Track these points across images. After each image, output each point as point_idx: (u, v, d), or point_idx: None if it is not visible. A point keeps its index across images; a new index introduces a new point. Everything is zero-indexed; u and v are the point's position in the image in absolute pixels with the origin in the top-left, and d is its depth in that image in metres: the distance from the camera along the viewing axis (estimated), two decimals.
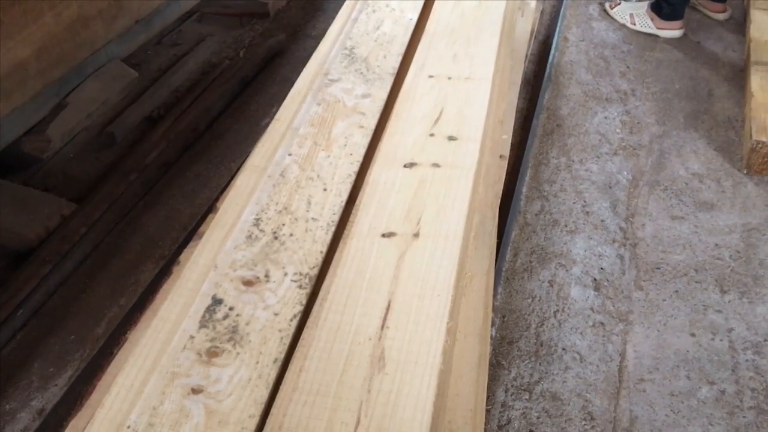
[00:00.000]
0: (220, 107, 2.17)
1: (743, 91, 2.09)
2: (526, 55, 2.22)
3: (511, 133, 1.82)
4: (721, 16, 2.51)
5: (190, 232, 1.68)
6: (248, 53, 2.37)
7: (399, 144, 1.47)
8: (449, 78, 1.70)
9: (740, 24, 2.45)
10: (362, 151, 1.45)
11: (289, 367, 0.92)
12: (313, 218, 1.25)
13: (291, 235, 1.20)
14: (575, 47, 2.37)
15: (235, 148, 1.97)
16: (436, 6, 1.98)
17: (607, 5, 2.55)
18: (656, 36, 2.42)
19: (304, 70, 1.83)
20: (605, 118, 2.05)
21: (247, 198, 1.30)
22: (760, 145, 1.80)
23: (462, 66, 1.73)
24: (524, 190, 1.80)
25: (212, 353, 0.95)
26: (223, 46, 2.42)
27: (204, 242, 1.21)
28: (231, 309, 1.01)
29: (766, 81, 2.00)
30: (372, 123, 1.53)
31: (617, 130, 2.01)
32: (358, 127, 1.51)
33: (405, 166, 1.41)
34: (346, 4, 2.12)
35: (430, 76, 1.70)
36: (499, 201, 1.57)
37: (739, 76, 2.19)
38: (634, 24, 2.45)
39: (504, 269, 1.56)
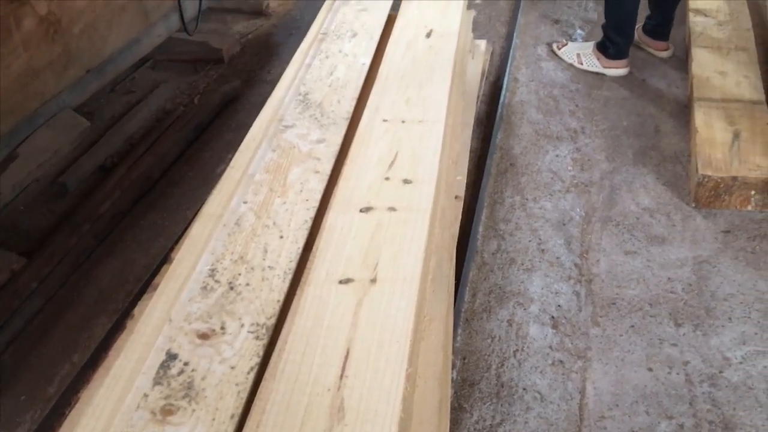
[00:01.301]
0: (175, 154, 2.16)
1: (688, 127, 2.17)
2: (478, 96, 2.27)
3: (465, 174, 1.84)
4: (664, 54, 2.60)
5: (144, 283, 1.65)
6: (203, 99, 2.37)
7: (355, 188, 1.48)
8: (403, 121, 1.72)
9: (683, 61, 2.54)
10: (318, 196, 1.46)
11: (246, 423, 0.91)
12: (269, 266, 1.24)
13: (247, 284, 1.18)
14: (525, 87, 2.43)
15: (190, 196, 1.95)
16: (388, 50, 2.01)
17: (554, 46, 2.63)
18: (603, 75, 2.49)
19: (259, 116, 1.83)
20: (557, 156, 2.10)
21: (203, 248, 1.29)
22: (706, 179, 1.86)
23: (415, 109, 1.76)
24: (481, 229, 1.82)
25: (167, 411, 0.93)
26: (177, 93, 2.42)
27: (158, 295, 1.19)
28: (186, 364, 0.99)
29: (710, 116, 2.07)
30: (327, 168, 1.54)
31: (569, 168, 2.05)
32: (314, 173, 1.52)
33: (361, 210, 1.41)
34: (299, 50, 2.14)
35: (384, 120, 1.72)
36: (456, 242, 1.59)
37: (683, 111, 2.27)
38: (582, 63, 2.53)
39: (463, 310, 1.57)
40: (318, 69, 1.93)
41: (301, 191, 1.46)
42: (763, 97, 2.14)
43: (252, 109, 1.79)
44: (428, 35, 2.07)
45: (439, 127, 1.68)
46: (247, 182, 1.50)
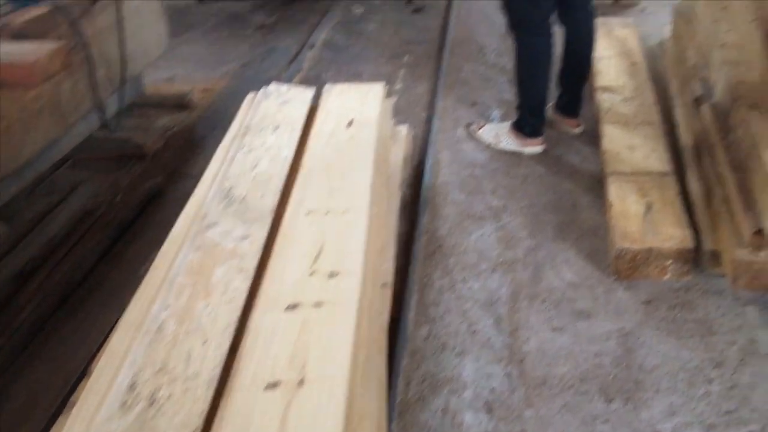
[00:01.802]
0: (97, 255, 2.10)
1: (604, 200, 2.25)
2: (403, 180, 2.32)
3: (392, 260, 1.85)
4: (576, 130, 2.73)
5: (63, 399, 1.57)
6: (125, 197, 2.34)
7: (280, 285, 1.47)
8: (327, 212, 1.74)
9: (595, 136, 2.65)
10: (243, 296, 1.44)
11: None
12: (192, 375, 1.20)
13: (169, 396, 1.14)
14: (448, 169, 2.49)
15: (113, 300, 1.90)
16: (310, 142, 2.04)
17: (472, 127, 2.73)
18: (521, 153, 2.59)
19: (182, 215, 1.81)
20: (482, 235, 2.15)
21: (122, 359, 1.24)
22: (623, 252, 1.92)
23: (339, 200, 1.77)
24: (412, 314, 1.82)
25: None
26: (98, 192, 2.37)
27: (75, 414, 1.13)
28: None
29: (623, 190, 2.16)
30: (252, 265, 1.53)
31: (494, 247, 2.10)
32: (238, 271, 1.50)
33: (287, 308, 1.40)
34: (222, 144, 2.15)
35: (309, 212, 1.73)
36: (386, 332, 1.58)
37: (598, 185, 2.36)
38: (500, 143, 2.63)
39: (397, 402, 1.55)
40: (241, 163, 1.94)
41: (225, 292, 1.44)
42: (670, 168, 2.25)
43: (176, 205, 1.78)
44: (349, 125, 2.12)
45: (364, 216, 1.70)
46: (169, 286, 1.46)
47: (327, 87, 2.35)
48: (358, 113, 2.17)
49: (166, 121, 2.91)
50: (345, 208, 1.73)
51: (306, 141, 2.06)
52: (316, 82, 3.07)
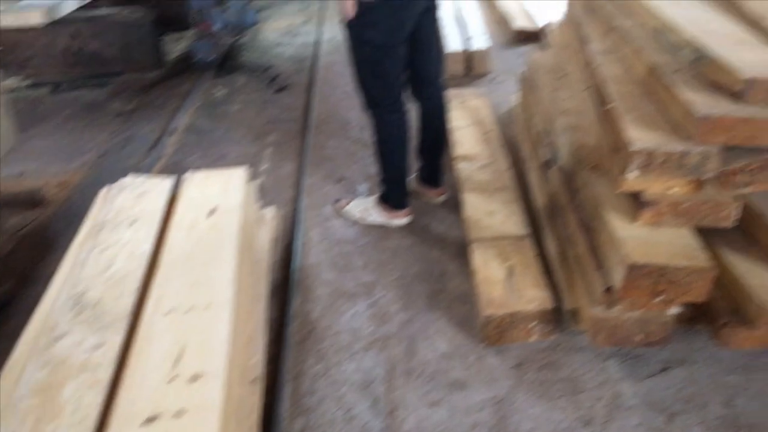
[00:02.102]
0: None
1: (470, 266, 2.31)
2: (272, 264, 2.28)
3: (262, 352, 1.80)
4: (440, 199, 2.82)
5: None
6: None
7: (138, 396, 1.38)
8: (189, 310, 1.67)
9: (458, 203, 2.75)
10: (96, 412, 1.34)
11: None
12: None
13: None
14: (318, 247, 2.49)
15: None
16: (170, 234, 1.98)
17: (339, 204, 2.75)
18: (389, 225, 2.63)
19: (28, 327, 1.69)
20: (354, 314, 2.14)
21: None
22: (489, 319, 1.97)
23: (201, 294, 1.71)
24: (285, 408, 1.77)
25: None
26: None
27: None
28: None
29: (485, 256, 2.23)
30: (106, 377, 1.43)
31: (367, 324, 2.09)
32: (90, 386, 1.40)
33: (144, 422, 1.32)
34: (73, 244, 2.05)
35: (169, 311, 1.66)
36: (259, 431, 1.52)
37: (464, 252, 2.43)
38: (367, 218, 2.66)
39: None
40: (95, 263, 1.84)
41: (76, 410, 1.34)
42: (527, 231, 2.36)
43: (28, 313, 1.66)
44: (211, 213, 2.08)
45: (228, 310, 1.65)
46: (13, 410, 1.35)
47: (187, 175, 2.30)
48: (220, 200, 2.14)
49: (16, 220, 2.73)
50: (207, 302, 1.67)
51: (165, 234, 1.99)
52: (179, 168, 3.01)
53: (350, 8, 2.26)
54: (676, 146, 1.74)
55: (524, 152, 3.06)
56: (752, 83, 1.71)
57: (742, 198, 1.83)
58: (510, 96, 3.75)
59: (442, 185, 2.82)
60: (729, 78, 1.78)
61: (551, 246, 2.31)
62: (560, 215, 2.33)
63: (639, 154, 1.75)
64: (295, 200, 2.81)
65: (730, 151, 1.76)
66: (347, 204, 2.74)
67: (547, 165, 2.62)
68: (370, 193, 2.83)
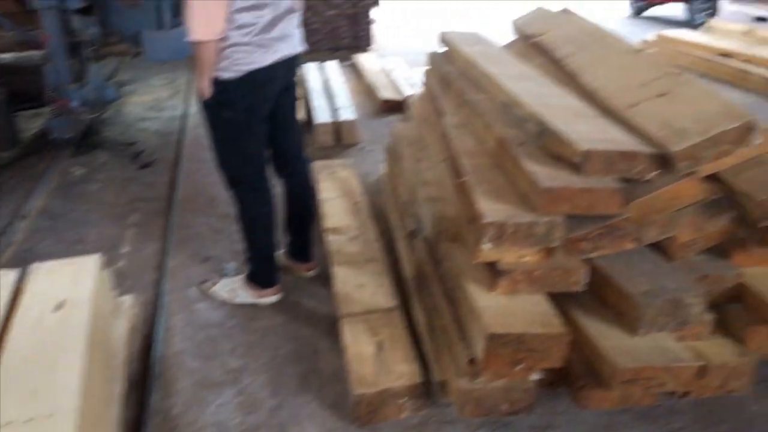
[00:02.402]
0: None
1: (341, 342, 2.28)
2: (129, 356, 2.15)
3: None
4: (310, 274, 2.78)
5: None
6: None
7: None
8: (29, 420, 1.54)
9: (329, 277, 2.72)
10: None
11: None
12: None
13: None
14: (181, 334, 2.37)
15: None
16: (11, 334, 1.83)
17: (205, 285, 2.66)
18: (258, 305, 2.56)
19: None
20: (220, 405, 2.04)
21: None
22: (360, 398, 1.94)
23: (43, 402, 1.58)
24: None
25: None
26: None
27: None
28: None
29: (355, 331, 2.21)
30: None
31: (234, 415, 2.00)
32: None
33: None
34: None
35: (7, 424, 1.51)
36: None
37: (336, 328, 2.39)
38: (235, 298, 2.58)
39: None
40: None
41: None
42: (396, 303, 2.36)
43: None
44: (58, 308, 1.94)
45: (72, 420, 1.53)
46: None
47: (33, 266, 2.15)
48: (68, 293, 2.00)
49: None
50: (50, 411, 1.54)
51: (5, 334, 1.83)
52: (30, 256, 2.82)
53: (206, 87, 2.23)
54: (525, 217, 1.82)
55: (393, 222, 3.10)
56: (588, 155, 1.83)
57: (590, 263, 1.93)
58: (379, 165, 3.82)
59: (312, 259, 2.80)
60: (568, 150, 1.89)
61: (420, 317, 2.32)
62: (427, 286, 2.35)
63: (491, 226, 1.80)
64: (158, 284, 2.69)
65: (574, 219, 1.86)
66: (214, 285, 2.65)
67: (412, 235, 2.66)
68: (238, 272, 2.76)
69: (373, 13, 8.57)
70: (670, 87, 2.10)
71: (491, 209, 1.85)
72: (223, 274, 2.78)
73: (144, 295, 2.57)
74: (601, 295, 2.00)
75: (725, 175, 1.90)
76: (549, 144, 2.01)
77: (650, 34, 6.38)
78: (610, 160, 1.84)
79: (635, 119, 2.03)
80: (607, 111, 2.19)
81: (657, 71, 2.24)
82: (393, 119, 4.71)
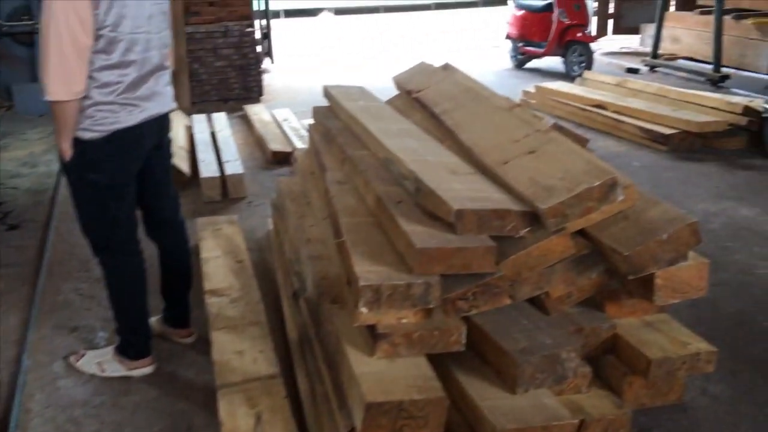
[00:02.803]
0: None
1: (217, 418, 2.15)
2: None
3: None
4: (188, 340, 2.64)
5: None
6: None
7: None
8: None
9: (209, 343, 2.58)
10: None
11: None
12: None
13: None
14: (40, 418, 2.17)
15: None
16: None
17: (72, 359, 2.46)
18: (130, 377, 2.39)
19: None
20: None
21: None
22: None
23: None
24: None
25: None
26: None
27: None
28: None
29: (232, 403, 2.09)
30: None
31: None
32: None
33: None
34: None
35: None
36: None
37: (214, 399, 2.25)
38: (104, 371, 2.40)
39: None
40: None
41: None
42: (277, 370, 2.26)
43: None
44: None
45: None
46: None
47: None
48: None
49: None
50: None
51: None
52: None
53: (66, 149, 2.10)
54: (401, 279, 1.78)
55: (279, 281, 3.01)
56: (461, 214, 1.82)
57: (470, 320, 1.92)
58: (267, 220, 3.73)
59: (189, 325, 2.66)
60: (442, 209, 1.88)
61: (302, 382, 2.23)
62: (310, 349, 2.27)
63: (367, 289, 1.75)
64: (17, 360, 2.46)
65: (450, 279, 1.84)
66: (81, 358, 2.46)
67: (295, 296, 2.58)
68: (109, 342, 2.58)
69: (266, 63, 8.57)
70: (538, 144, 2.15)
71: (367, 271, 1.81)
72: (93, 345, 2.59)
73: (0, 375, 2.35)
74: (482, 353, 1.99)
75: (593, 230, 1.95)
76: (425, 202, 2.00)
77: (530, 85, 6.67)
78: (483, 218, 1.85)
79: (507, 176, 2.06)
80: (482, 168, 2.22)
81: (527, 128, 2.29)
82: (283, 171, 4.65)
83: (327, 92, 3.41)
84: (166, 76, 2.30)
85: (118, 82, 2.10)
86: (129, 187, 2.24)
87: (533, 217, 1.89)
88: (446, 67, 3.47)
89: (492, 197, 1.95)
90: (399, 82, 3.39)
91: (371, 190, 2.23)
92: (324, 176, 2.65)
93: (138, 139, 2.20)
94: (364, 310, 1.78)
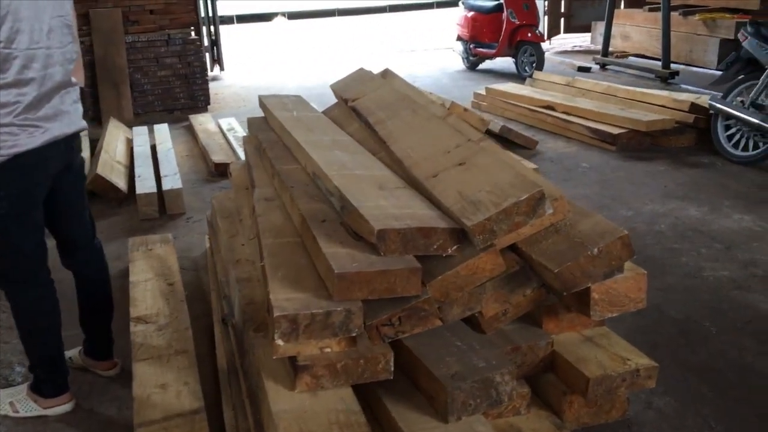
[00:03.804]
0: None
1: None
2: None
3: None
4: (111, 373, 2.48)
5: None
6: None
7: None
8: None
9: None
10: None
11: None
12: None
13: None
14: None
15: None
16: None
17: None
18: (46, 417, 2.22)
19: None
20: None
21: None
22: None
23: None
24: None
25: None
26: None
27: None
28: None
29: None
30: None
31: None
32: None
33: None
34: None
35: None
36: None
37: None
38: (18, 411, 2.23)
39: None
40: None
41: None
42: (202, 403, 2.11)
43: None
44: None
45: None
46: None
47: None
48: None
49: None
50: None
51: None
52: None
53: None
54: (320, 306, 1.66)
55: (213, 303, 2.86)
56: (383, 235, 1.71)
57: (398, 345, 1.80)
58: (205, 237, 3.57)
59: (111, 357, 2.49)
60: (365, 229, 1.77)
61: (228, 416, 2.10)
62: (236, 380, 2.14)
63: (282, 320, 1.63)
64: None
65: (375, 303, 1.72)
66: None
67: (224, 321, 2.44)
68: (26, 379, 2.40)
69: (216, 71, 8.38)
70: (469, 155, 2.05)
71: (284, 299, 1.68)
72: (9, 383, 2.41)
73: None
74: (414, 378, 1.87)
75: (523, 245, 1.85)
76: (350, 221, 1.88)
77: (482, 87, 6.60)
78: (407, 238, 1.73)
79: (435, 189, 1.95)
80: (412, 181, 2.11)
81: (459, 138, 2.19)
82: (225, 185, 4.49)
83: (261, 102, 3.28)
84: (73, 94, 2.15)
85: (16, 102, 1.94)
86: (33, 214, 2.07)
87: (462, 234, 1.78)
88: (385, 74, 3.36)
89: (417, 214, 1.83)
90: (336, 90, 3.27)
91: (296, 207, 2.10)
92: (253, 193, 2.52)
93: (41, 163, 2.04)
94: (280, 342, 1.66)
